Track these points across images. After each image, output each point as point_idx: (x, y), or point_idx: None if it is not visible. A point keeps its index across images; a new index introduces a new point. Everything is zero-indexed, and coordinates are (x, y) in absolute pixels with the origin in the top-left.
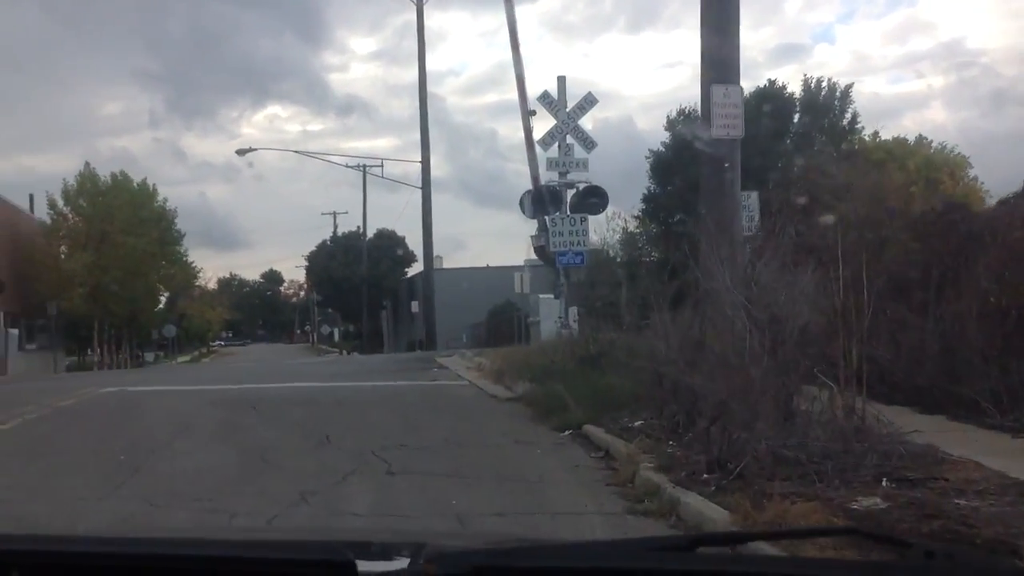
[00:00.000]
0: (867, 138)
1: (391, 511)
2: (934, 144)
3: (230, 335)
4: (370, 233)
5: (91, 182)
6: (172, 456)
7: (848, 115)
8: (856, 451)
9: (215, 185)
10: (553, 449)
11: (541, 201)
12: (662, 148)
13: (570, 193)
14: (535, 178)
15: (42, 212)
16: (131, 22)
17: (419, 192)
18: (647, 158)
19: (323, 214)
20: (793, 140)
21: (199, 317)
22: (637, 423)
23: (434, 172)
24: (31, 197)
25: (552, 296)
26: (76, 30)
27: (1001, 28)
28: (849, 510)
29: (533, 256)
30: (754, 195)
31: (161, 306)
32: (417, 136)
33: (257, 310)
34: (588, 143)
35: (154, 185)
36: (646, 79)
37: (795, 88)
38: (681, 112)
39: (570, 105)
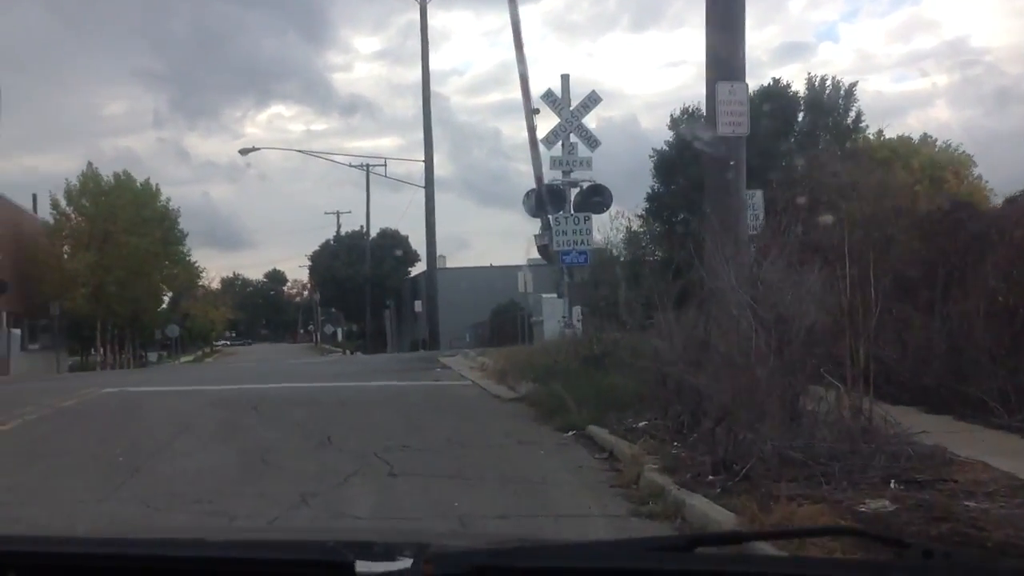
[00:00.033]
0: (871, 137)
1: (393, 513)
2: (938, 143)
3: (234, 335)
4: (373, 233)
5: (94, 182)
6: (172, 457)
7: (852, 114)
8: (863, 452)
9: (219, 185)
10: (556, 450)
11: (544, 200)
12: (665, 147)
13: (574, 192)
14: (539, 177)
15: (45, 212)
16: (135, 22)
17: (422, 191)
18: (651, 157)
19: (326, 214)
20: (797, 139)
21: (202, 317)
22: (641, 424)
23: (437, 171)
24: (34, 197)
25: (555, 295)
26: (80, 30)
27: (1005, 27)
28: (857, 512)
29: (533, 256)
30: (759, 194)
31: (164, 306)
32: (421, 135)
33: (261, 310)
34: (592, 142)
35: (157, 185)
36: (650, 78)
37: (799, 87)
38: (685, 111)
39: (574, 103)
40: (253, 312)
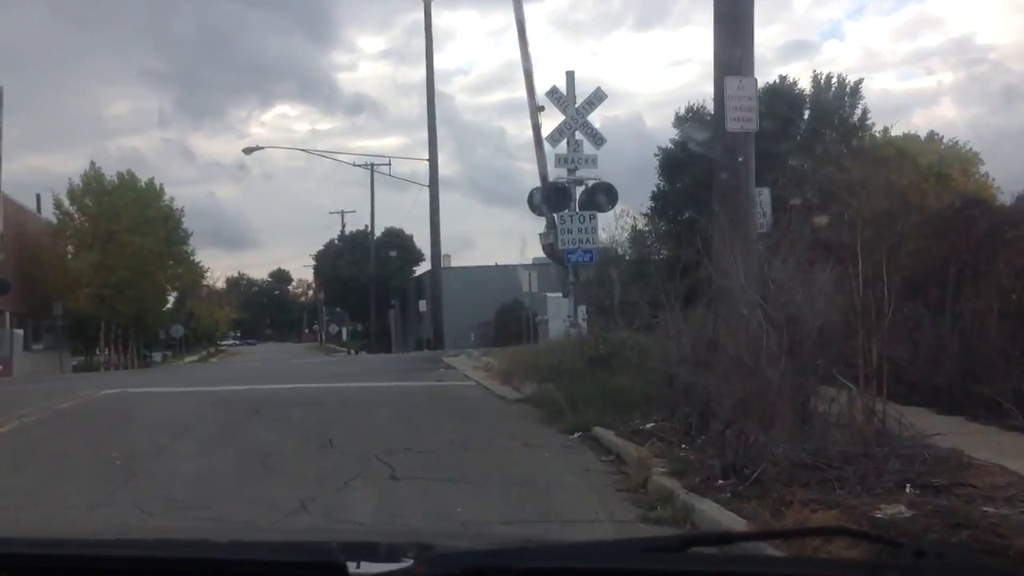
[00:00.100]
0: (877, 135)
1: (393, 519)
2: (945, 140)
3: (238, 335)
4: (378, 232)
5: (97, 182)
6: (170, 461)
7: (858, 112)
8: (877, 455)
9: (224, 185)
10: (562, 452)
11: (549, 198)
12: (671, 145)
13: (579, 190)
14: (543, 175)
15: (48, 212)
16: (139, 22)
17: (427, 191)
18: (656, 155)
19: (331, 213)
20: (803, 137)
21: (207, 317)
22: (648, 425)
23: (442, 171)
24: (38, 197)
25: (560, 295)
26: (84, 30)
27: (1011, 24)
28: (872, 519)
29: (537, 255)
30: (766, 192)
31: (169, 306)
32: (425, 135)
33: (265, 309)
34: (597, 139)
35: (161, 184)
36: (655, 77)
37: (805, 85)
38: (690, 109)
39: (579, 101)
40: (258, 312)
